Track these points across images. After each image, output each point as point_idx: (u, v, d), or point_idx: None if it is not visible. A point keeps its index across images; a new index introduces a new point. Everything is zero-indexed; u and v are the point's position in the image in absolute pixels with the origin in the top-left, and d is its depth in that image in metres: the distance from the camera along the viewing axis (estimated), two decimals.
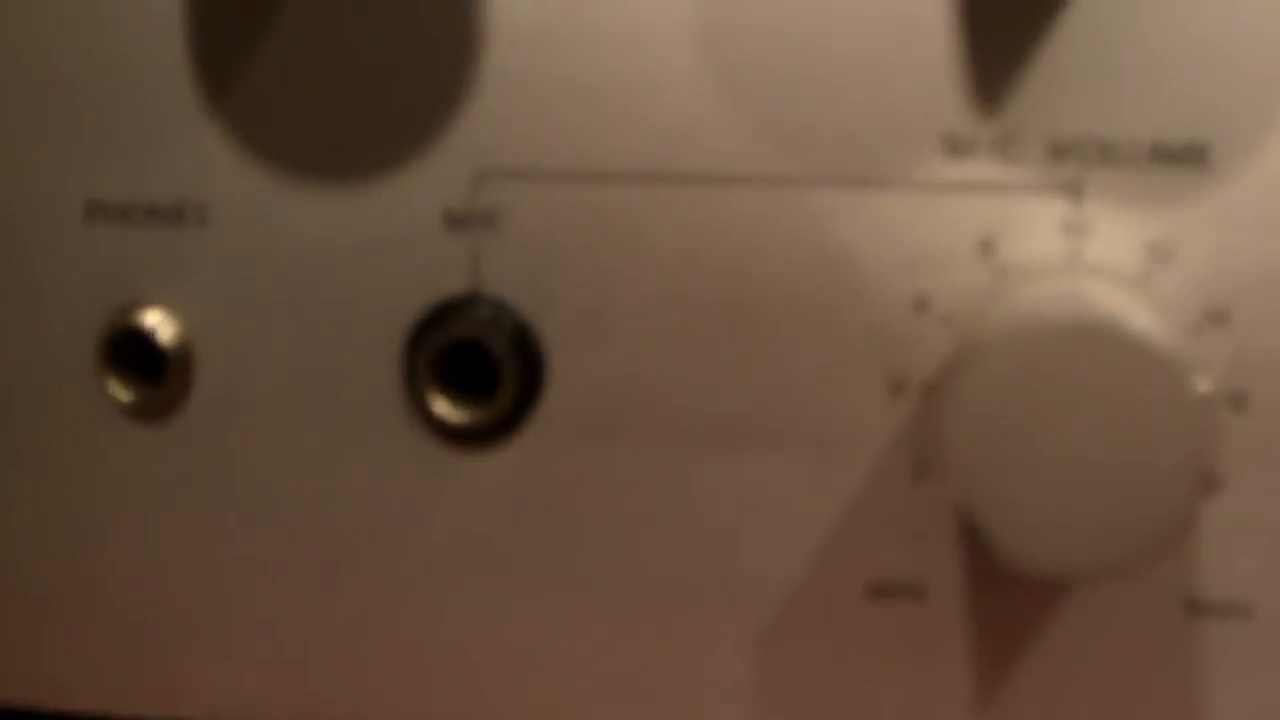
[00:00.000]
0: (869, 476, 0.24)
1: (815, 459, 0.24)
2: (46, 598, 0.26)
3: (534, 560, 0.25)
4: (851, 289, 0.24)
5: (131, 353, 0.25)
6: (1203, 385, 0.21)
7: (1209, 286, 0.23)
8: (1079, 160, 0.23)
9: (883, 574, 0.24)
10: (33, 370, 0.25)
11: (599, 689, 0.25)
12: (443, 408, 0.24)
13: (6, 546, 0.26)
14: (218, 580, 0.25)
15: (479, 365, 0.24)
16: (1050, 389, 0.21)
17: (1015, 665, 0.24)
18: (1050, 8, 0.23)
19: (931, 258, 0.24)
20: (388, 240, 0.24)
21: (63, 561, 0.26)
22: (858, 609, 0.24)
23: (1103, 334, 0.21)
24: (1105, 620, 0.24)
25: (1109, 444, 0.21)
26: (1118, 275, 0.23)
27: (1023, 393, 0.21)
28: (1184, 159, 0.23)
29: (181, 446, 0.25)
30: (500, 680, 0.25)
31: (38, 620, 0.26)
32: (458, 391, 0.25)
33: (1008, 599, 0.24)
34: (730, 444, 0.24)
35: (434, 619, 0.25)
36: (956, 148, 0.23)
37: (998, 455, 0.21)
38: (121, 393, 0.25)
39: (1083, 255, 0.23)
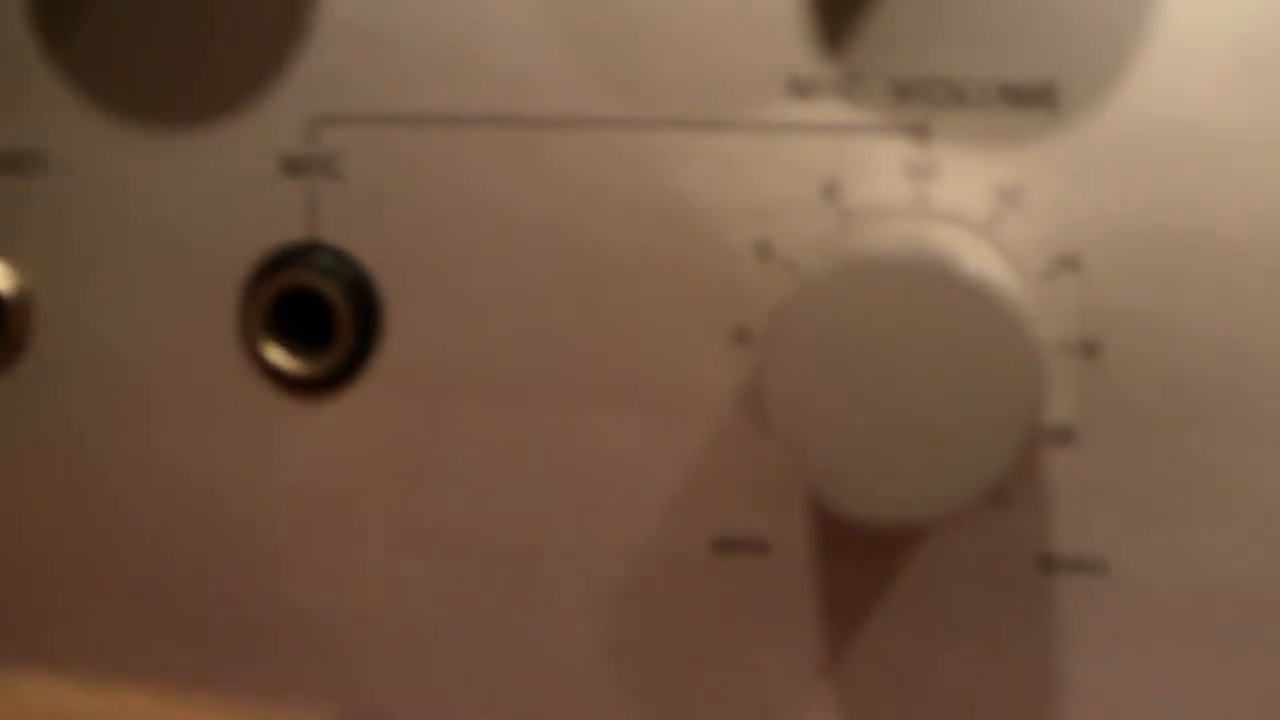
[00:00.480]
0: (713, 430, 0.23)
1: (658, 413, 0.23)
2: None
3: (373, 516, 0.24)
4: (693, 236, 0.23)
5: None
6: (1039, 332, 0.20)
7: (1060, 232, 0.23)
8: (925, 101, 0.23)
9: (728, 529, 0.24)
10: None
11: (441, 650, 0.24)
12: (278, 357, 0.24)
13: None
14: (54, 535, 0.25)
15: (317, 314, 0.24)
16: (877, 329, 0.20)
17: (864, 620, 0.23)
18: None
19: (775, 202, 0.23)
20: (225, 187, 0.24)
21: None
22: (704, 565, 0.24)
23: (933, 273, 0.20)
24: (957, 576, 0.23)
25: (937, 388, 0.20)
26: (965, 219, 0.23)
27: (846, 333, 0.20)
28: (1033, 100, 0.22)
29: (19, 399, 0.25)
30: (338, 640, 0.24)
31: None
32: (296, 341, 0.24)
33: (855, 553, 0.23)
34: (571, 399, 0.24)
35: (272, 575, 0.24)
36: (800, 89, 0.23)
37: (820, 397, 0.20)
38: None
39: (929, 199, 0.23)
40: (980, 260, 0.21)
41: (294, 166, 0.24)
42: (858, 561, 0.23)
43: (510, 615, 0.24)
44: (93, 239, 0.24)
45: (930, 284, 0.20)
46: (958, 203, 0.23)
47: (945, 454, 0.20)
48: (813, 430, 0.20)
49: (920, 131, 0.23)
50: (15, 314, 0.24)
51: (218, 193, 0.24)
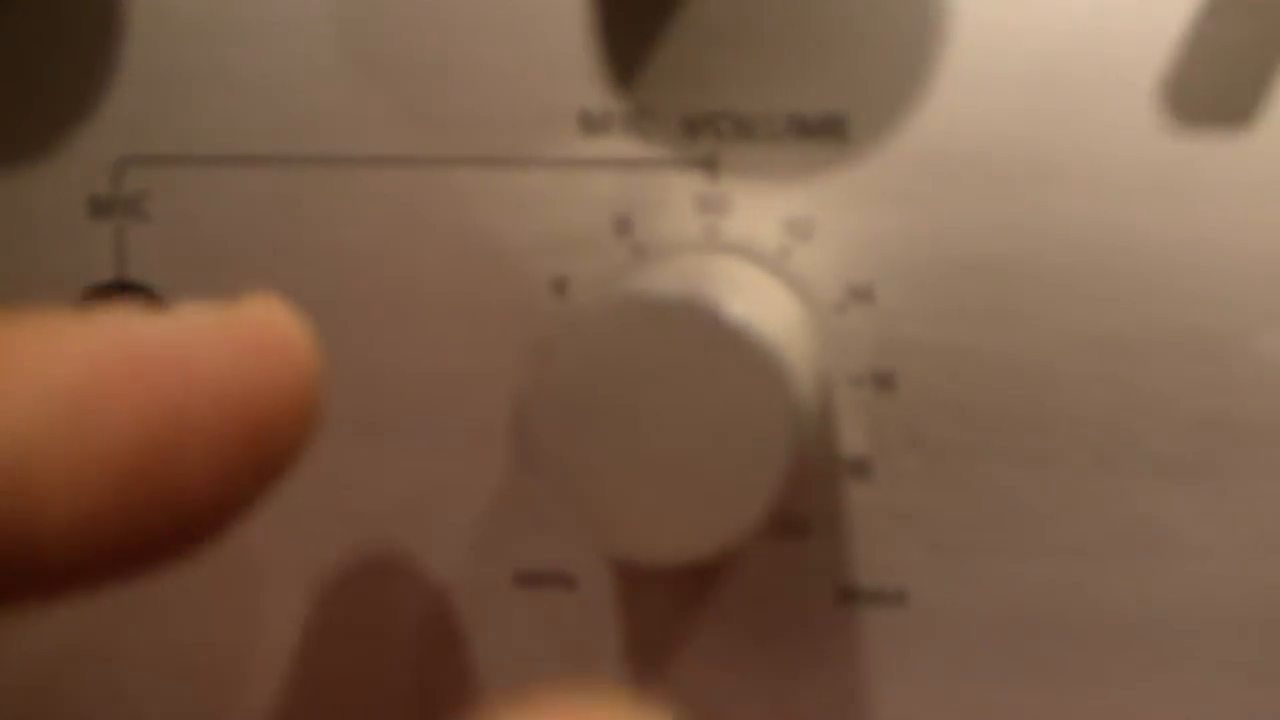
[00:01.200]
0: (514, 466, 0.23)
1: (461, 448, 0.24)
2: None
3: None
4: (494, 271, 0.23)
5: None
6: (801, 377, 0.20)
7: (851, 263, 0.23)
8: (714, 135, 0.23)
9: (531, 564, 0.24)
10: None
11: (247, 690, 0.25)
12: None
13: None
14: None
15: None
16: (640, 367, 0.20)
17: (667, 654, 0.24)
18: None
19: (570, 237, 0.23)
20: (35, 228, 0.24)
21: None
22: (508, 599, 0.24)
23: (695, 312, 0.20)
24: (757, 608, 0.23)
25: (697, 428, 0.20)
26: (756, 252, 0.23)
27: (611, 371, 0.20)
28: (822, 132, 0.22)
29: None
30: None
31: None
32: None
33: (658, 586, 0.23)
34: (377, 437, 0.24)
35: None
36: (592, 125, 0.23)
37: (585, 436, 0.20)
38: None
39: (720, 232, 0.23)
40: (751, 299, 0.21)
41: (102, 208, 0.24)
42: (661, 593, 0.23)
43: (322, 650, 0.24)
44: None
45: (692, 323, 0.20)
46: (748, 235, 0.23)
47: (704, 495, 0.20)
48: (578, 470, 0.20)
49: (710, 165, 0.23)
50: None
51: (27, 234, 0.24)
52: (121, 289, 0.24)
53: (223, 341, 0.16)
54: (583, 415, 0.20)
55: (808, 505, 0.23)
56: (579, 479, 0.20)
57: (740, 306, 0.20)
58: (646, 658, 0.24)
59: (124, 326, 0.16)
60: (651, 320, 0.20)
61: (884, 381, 0.23)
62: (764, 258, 0.23)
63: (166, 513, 0.15)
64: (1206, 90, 0.22)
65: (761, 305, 0.21)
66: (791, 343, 0.20)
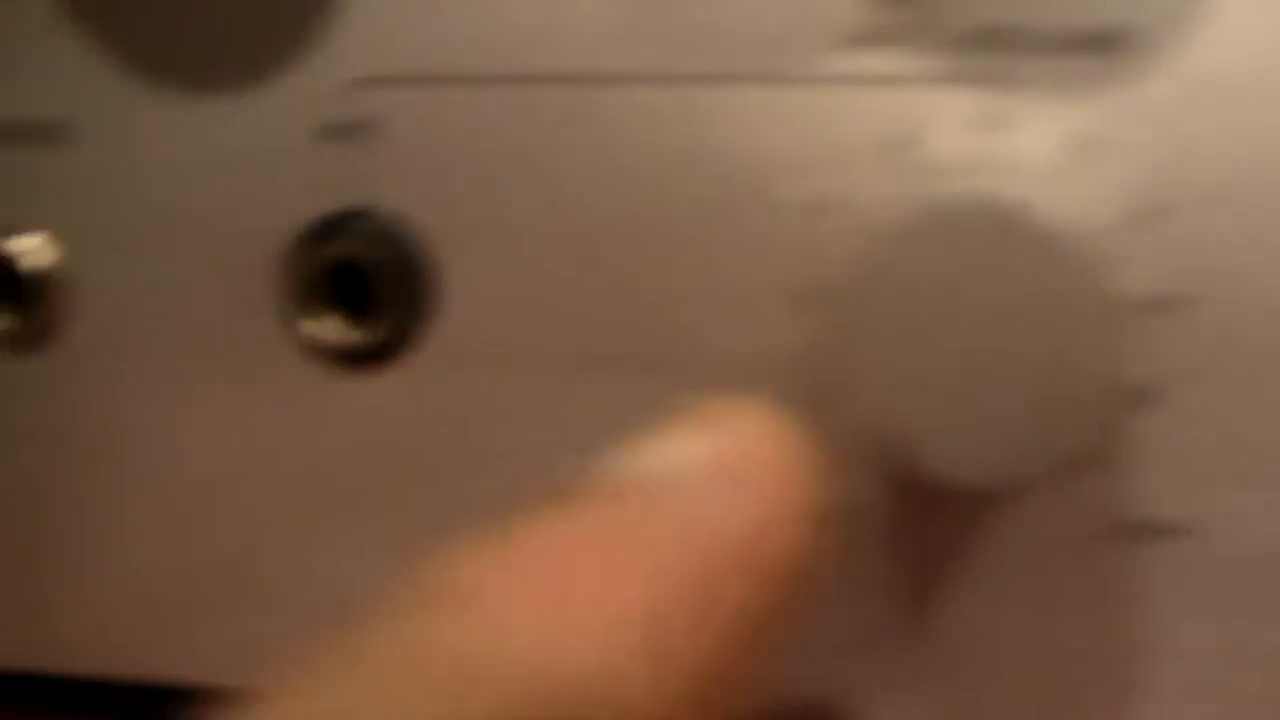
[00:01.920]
0: (773, 395, 0.22)
1: (716, 379, 0.22)
2: None
3: (420, 492, 0.23)
4: (749, 194, 0.22)
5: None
6: (1124, 284, 0.19)
7: (1137, 182, 0.21)
8: (992, 49, 0.22)
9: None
10: None
11: None
12: (322, 330, 0.23)
13: None
14: (88, 519, 0.24)
15: (362, 285, 0.23)
16: (959, 280, 0.19)
17: (940, 591, 0.22)
18: None
19: (835, 158, 0.22)
20: (263, 154, 0.23)
21: None
22: None
23: (1014, 221, 0.19)
24: (1036, 543, 0.22)
25: (1023, 344, 0.19)
26: (1035, 173, 0.22)
27: (928, 291, 0.19)
28: (1107, 45, 0.21)
29: (53, 377, 0.24)
30: None
31: None
32: (341, 312, 0.23)
33: (930, 520, 0.22)
34: (626, 367, 0.23)
35: (313, 553, 0.23)
36: (860, 40, 0.22)
37: (909, 358, 0.19)
38: None
39: (995, 152, 0.22)
40: (1058, 210, 0.20)
41: (334, 132, 0.23)
42: (933, 529, 0.22)
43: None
44: (124, 211, 0.24)
45: (1012, 231, 0.19)
46: (1027, 155, 0.22)
47: (1039, 413, 0.19)
48: (900, 393, 0.19)
49: (985, 81, 0.22)
50: (44, 292, 0.24)
51: (255, 160, 0.23)
52: (354, 217, 0.23)
53: (731, 495, 0.16)
54: (902, 334, 0.19)
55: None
56: (895, 395, 0.19)
57: (1045, 211, 0.19)
58: (918, 596, 0.22)
59: (667, 519, 0.15)
60: (967, 230, 0.19)
61: (1174, 305, 0.21)
62: (1043, 176, 0.22)
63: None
64: None
65: (1067, 219, 0.20)
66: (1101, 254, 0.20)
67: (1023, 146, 0.22)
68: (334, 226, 0.23)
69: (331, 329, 0.23)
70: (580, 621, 0.14)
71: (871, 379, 0.19)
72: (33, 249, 0.24)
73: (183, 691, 0.24)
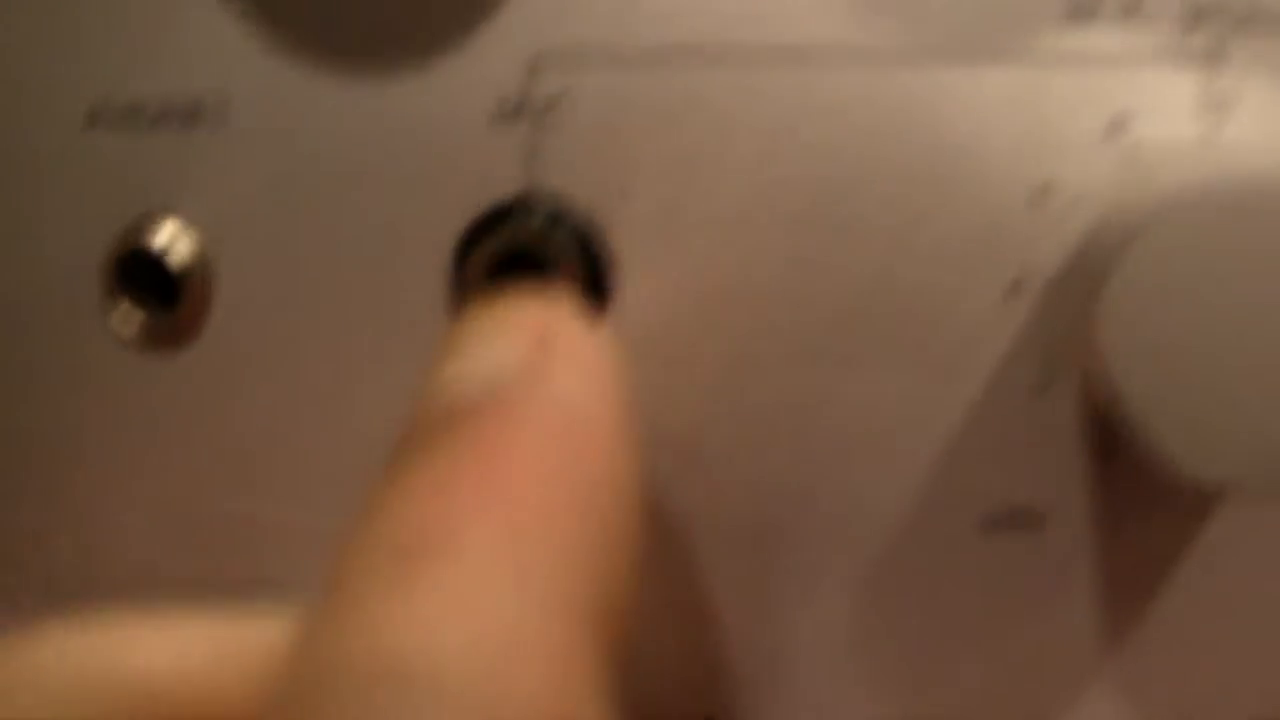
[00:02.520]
0: (986, 389, 0.21)
1: (927, 370, 0.21)
2: (50, 569, 0.23)
3: None
4: (965, 177, 0.21)
5: (144, 272, 0.22)
6: None
7: None
8: (1218, 26, 0.21)
9: (1001, 499, 0.21)
10: (37, 301, 0.23)
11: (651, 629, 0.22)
12: None
13: (10, 495, 0.23)
14: (240, 525, 0.22)
15: (538, 273, 0.22)
16: (1222, 270, 0.18)
17: (1146, 596, 0.22)
18: None
19: (1053, 140, 0.21)
20: (432, 136, 0.22)
21: (66, 512, 0.23)
22: (972, 539, 0.22)
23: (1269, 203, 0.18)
24: (1247, 547, 0.21)
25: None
26: (1263, 155, 0.21)
27: (1188, 275, 0.18)
28: None
29: (199, 375, 0.22)
30: None
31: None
32: None
33: (1137, 522, 0.21)
34: (827, 358, 0.21)
35: None
36: (1079, 15, 0.21)
37: (1160, 349, 0.18)
38: (132, 317, 0.22)
39: (1222, 135, 0.21)
40: None
41: (512, 112, 0.21)
42: (1140, 531, 0.21)
43: (748, 598, 0.22)
44: (282, 197, 0.22)
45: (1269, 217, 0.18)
46: (1254, 138, 0.21)
47: None
48: (1157, 391, 0.18)
49: (1213, 60, 0.21)
50: (193, 284, 0.22)
51: (424, 143, 0.22)
52: (530, 205, 0.22)
53: (571, 377, 0.17)
54: (1157, 326, 0.18)
55: None
56: (1155, 394, 0.18)
57: None
58: (1122, 601, 0.22)
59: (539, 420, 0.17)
60: (1235, 216, 0.18)
61: None
62: (1272, 162, 0.21)
63: None
64: None
65: None
66: None
67: (1249, 131, 0.21)
68: (508, 214, 0.21)
69: None
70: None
71: (1117, 362, 0.18)
72: (184, 238, 0.22)
73: None
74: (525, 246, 0.21)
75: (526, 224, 0.21)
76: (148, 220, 0.22)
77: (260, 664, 0.17)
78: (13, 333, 0.22)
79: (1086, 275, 0.20)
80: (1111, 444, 0.21)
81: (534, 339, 0.17)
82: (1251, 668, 0.22)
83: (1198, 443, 0.18)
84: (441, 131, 0.21)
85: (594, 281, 0.21)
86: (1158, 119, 0.21)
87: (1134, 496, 0.21)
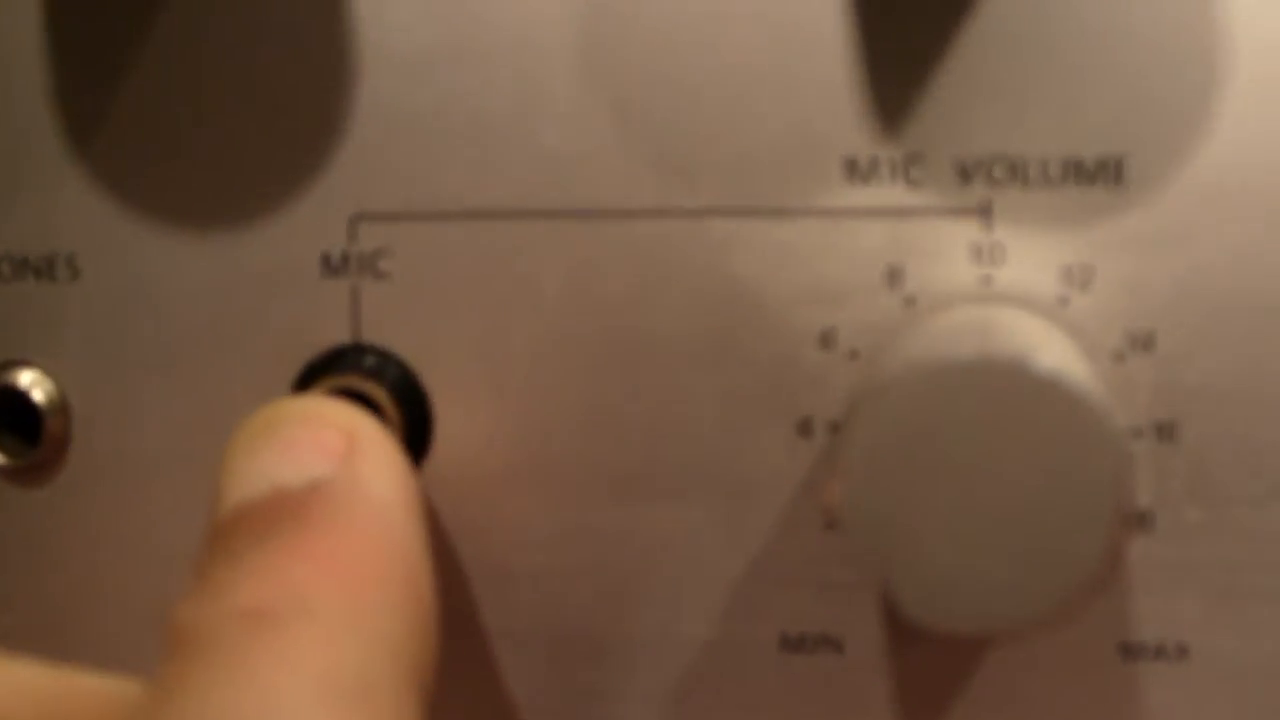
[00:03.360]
0: (778, 524, 0.23)
1: (721, 507, 0.23)
2: None
3: None
4: (754, 324, 0.22)
5: (4, 414, 0.24)
6: (1120, 423, 0.20)
7: (1131, 310, 0.22)
8: (988, 180, 0.22)
9: (797, 626, 0.23)
10: None
11: None
12: None
13: None
14: (105, 627, 0.24)
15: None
16: (954, 431, 0.19)
17: (941, 717, 0.23)
18: (951, 23, 0.22)
19: (837, 288, 0.22)
20: (265, 288, 0.23)
21: None
22: (772, 662, 0.23)
23: (1010, 370, 0.19)
24: (1036, 668, 0.23)
25: (1021, 489, 0.19)
26: (1032, 302, 0.22)
27: (924, 436, 0.19)
28: (1099, 176, 0.22)
29: (60, 505, 0.24)
30: None
31: None
32: None
33: (931, 648, 0.23)
34: (629, 491, 0.23)
35: None
36: (858, 172, 0.22)
37: (899, 505, 0.19)
38: None
39: (994, 282, 0.22)
40: (1055, 349, 0.20)
41: (336, 266, 0.23)
42: (934, 656, 0.23)
43: (567, 711, 0.24)
44: (130, 343, 0.24)
45: (1007, 380, 0.19)
46: (1024, 285, 0.22)
47: (1034, 557, 0.19)
48: (889, 537, 0.19)
49: (984, 212, 0.22)
50: (52, 422, 0.24)
51: (258, 294, 0.23)
52: (356, 351, 0.23)
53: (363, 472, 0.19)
54: (896, 483, 0.19)
55: None
56: (896, 550, 0.19)
57: (1050, 359, 0.19)
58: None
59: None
60: (964, 382, 0.19)
61: (1166, 431, 0.22)
62: (1041, 307, 0.22)
63: None
64: None
65: (1065, 353, 0.20)
66: (1099, 387, 0.20)
67: (1018, 277, 0.22)
68: (336, 360, 0.23)
69: None
70: None
71: (859, 518, 0.20)
72: (42, 382, 0.24)
73: None
74: (356, 387, 0.23)
75: (352, 370, 0.23)
76: (8, 366, 0.24)
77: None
78: None
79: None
80: None
81: (344, 436, 0.19)
82: None
83: (927, 592, 0.19)
84: (276, 284, 0.23)
85: (416, 424, 0.23)
86: (933, 268, 0.22)
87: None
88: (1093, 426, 0.19)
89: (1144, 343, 0.22)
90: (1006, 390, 0.19)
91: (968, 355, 0.19)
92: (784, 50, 0.22)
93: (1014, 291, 0.22)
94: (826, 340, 0.22)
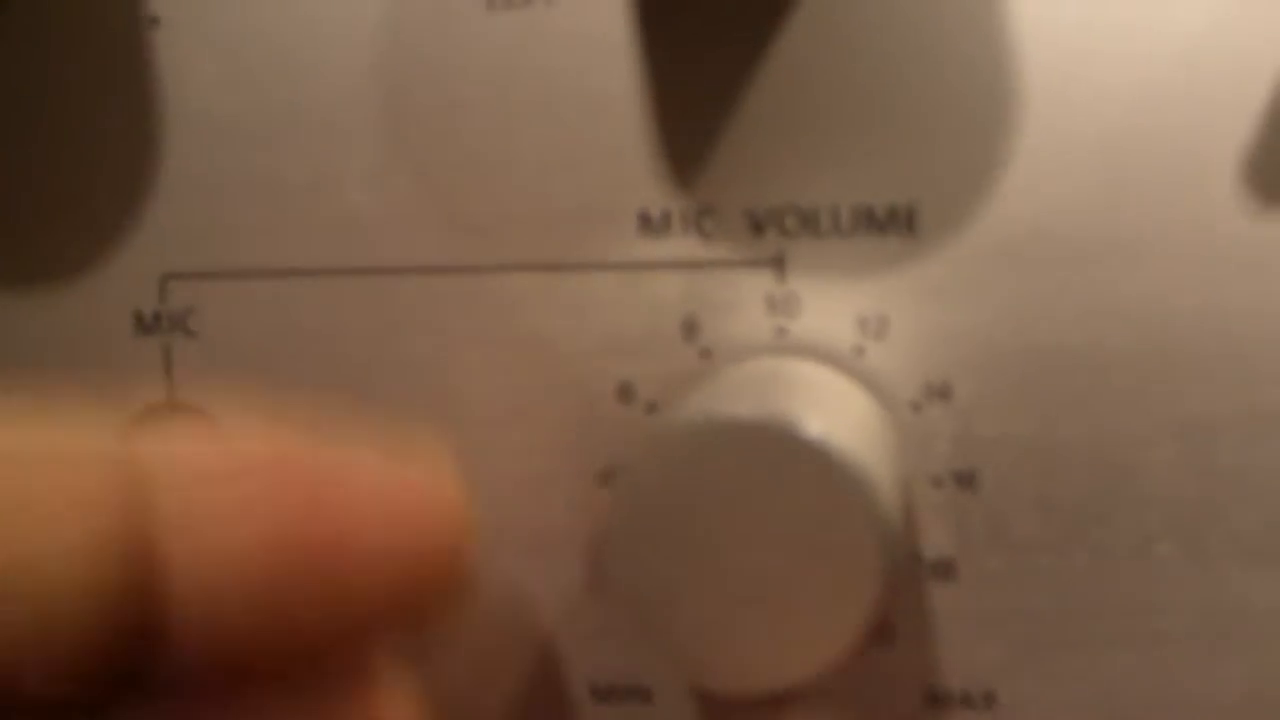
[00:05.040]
0: (584, 576, 0.23)
1: (528, 561, 0.23)
2: None
3: None
4: (554, 378, 0.23)
5: None
6: (916, 463, 0.20)
7: (927, 360, 0.22)
8: (781, 232, 0.22)
9: (606, 677, 0.23)
10: None
11: None
12: None
13: None
14: None
15: None
16: (714, 490, 0.19)
17: None
18: (740, 75, 0.22)
19: (634, 341, 0.22)
20: (81, 347, 0.23)
21: None
22: (583, 713, 0.23)
23: (777, 433, 0.19)
24: (844, 716, 0.23)
25: (785, 552, 0.19)
26: (828, 353, 0.22)
27: (684, 494, 0.19)
28: (891, 225, 0.22)
29: None
30: None
31: None
32: None
33: (736, 699, 0.23)
34: None
35: None
36: (651, 226, 0.22)
37: (660, 564, 0.19)
38: None
39: (790, 333, 0.22)
40: (830, 411, 0.20)
41: (147, 325, 0.23)
42: (741, 705, 0.23)
43: None
44: None
45: (772, 444, 0.19)
46: (820, 335, 0.22)
47: (795, 620, 0.19)
48: (658, 600, 0.19)
49: (778, 264, 0.22)
50: None
51: (75, 353, 0.23)
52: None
53: (387, 487, 0.16)
54: (660, 541, 0.19)
55: (892, 610, 0.22)
56: (659, 609, 0.19)
57: (820, 423, 0.19)
58: None
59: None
60: (729, 442, 0.19)
61: (965, 480, 0.22)
62: (837, 358, 0.22)
63: (290, 633, 0.15)
64: None
65: (840, 415, 0.20)
66: (873, 452, 0.20)
67: (813, 328, 0.22)
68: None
69: None
70: None
71: (636, 590, 0.19)
72: None
73: None
74: None
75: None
76: None
77: None
78: None
79: None
80: None
81: None
82: None
83: (688, 651, 0.19)
84: (94, 341, 0.23)
85: None
86: (729, 320, 0.22)
87: None
88: (858, 494, 0.19)
89: (941, 392, 0.22)
90: (773, 452, 0.19)
91: (729, 414, 0.19)
92: (576, 108, 0.22)
93: (810, 342, 0.22)
94: (625, 393, 0.22)
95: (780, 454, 0.19)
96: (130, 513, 0.14)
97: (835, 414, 0.20)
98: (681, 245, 0.22)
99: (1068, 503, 0.22)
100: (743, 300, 0.22)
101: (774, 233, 0.22)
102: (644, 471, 0.19)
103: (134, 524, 0.14)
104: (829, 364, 0.22)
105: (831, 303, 0.22)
